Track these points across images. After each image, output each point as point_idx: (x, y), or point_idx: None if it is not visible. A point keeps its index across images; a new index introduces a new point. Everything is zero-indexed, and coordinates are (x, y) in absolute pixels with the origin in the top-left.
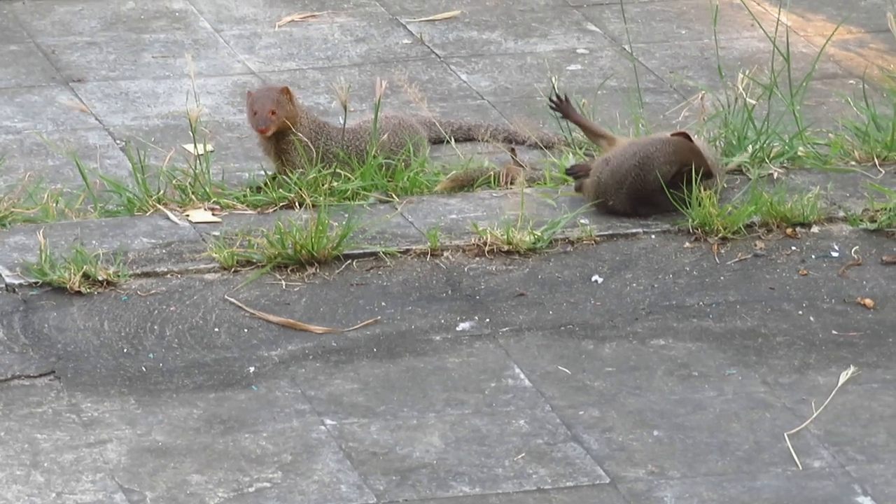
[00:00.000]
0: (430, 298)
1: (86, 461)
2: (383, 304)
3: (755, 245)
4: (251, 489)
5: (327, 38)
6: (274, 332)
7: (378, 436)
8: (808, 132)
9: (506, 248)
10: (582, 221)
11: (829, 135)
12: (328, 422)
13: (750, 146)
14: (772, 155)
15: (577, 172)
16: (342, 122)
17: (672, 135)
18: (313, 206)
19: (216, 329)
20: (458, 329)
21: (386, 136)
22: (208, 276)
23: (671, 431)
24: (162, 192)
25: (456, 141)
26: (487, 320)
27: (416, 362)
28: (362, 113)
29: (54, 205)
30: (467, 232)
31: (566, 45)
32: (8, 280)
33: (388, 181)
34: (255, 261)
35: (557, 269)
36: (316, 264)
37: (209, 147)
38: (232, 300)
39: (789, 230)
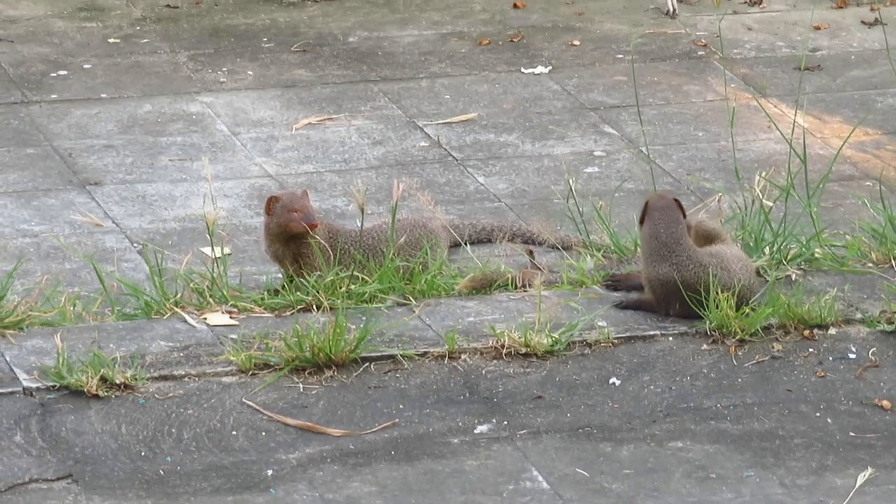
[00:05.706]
0: (448, 401)
1: None
2: (401, 406)
3: (772, 347)
4: None
5: (344, 140)
6: (292, 434)
7: None
8: (824, 234)
9: (523, 350)
10: (599, 324)
11: (846, 236)
12: None
13: (767, 248)
14: (789, 257)
15: (617, 285)
16: (359, 224)
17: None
18: (331, 308)
19: (234, 432)
20: (475, 432)
21: (403, 238)
22: (226, 380)
23: None
24: (179, 295)
25: (474, 243)
26: (505, 423)
27: (435, 465)
28: (380, 216)
29: (71, 308)
30: (485, 334)
31: (583, 147)
32: (25, 383)
33: (406, 284)
34: (272, 364)
35: (575, 372)
36: (334, 367)
37: (226, 250)
38: (249, 403)
39: (806, 332)
